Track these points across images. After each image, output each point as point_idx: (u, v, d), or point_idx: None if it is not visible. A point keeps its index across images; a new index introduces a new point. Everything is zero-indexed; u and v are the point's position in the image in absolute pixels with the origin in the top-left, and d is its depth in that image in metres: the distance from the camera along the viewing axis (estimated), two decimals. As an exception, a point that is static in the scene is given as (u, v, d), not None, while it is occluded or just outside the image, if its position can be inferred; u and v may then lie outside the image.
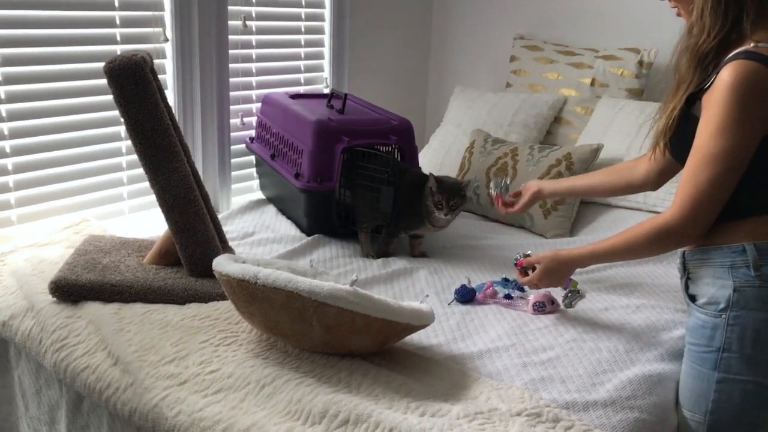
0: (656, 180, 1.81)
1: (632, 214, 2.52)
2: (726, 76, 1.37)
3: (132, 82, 1.78)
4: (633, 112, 2.67)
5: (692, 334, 1.54)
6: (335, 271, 2.10)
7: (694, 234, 1.46)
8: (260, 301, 1.45)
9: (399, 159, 2.40)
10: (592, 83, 2.88)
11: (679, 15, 1.56)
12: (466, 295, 1.95)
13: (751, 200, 1.44)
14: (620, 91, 2.82)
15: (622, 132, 2.64)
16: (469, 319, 1.84)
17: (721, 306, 1.46)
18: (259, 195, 2.77)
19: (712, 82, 1.41)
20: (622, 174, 1.89)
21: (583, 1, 3.08)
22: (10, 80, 2.11)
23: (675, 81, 1.52)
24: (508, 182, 2.17)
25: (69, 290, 1.78)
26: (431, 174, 2.20)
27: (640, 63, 2.79)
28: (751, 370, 1.44)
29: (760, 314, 1.42)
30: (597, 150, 2.53)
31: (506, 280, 2.04)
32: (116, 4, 2.30)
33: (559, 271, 1.73)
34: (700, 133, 1.42)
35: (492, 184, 2.17)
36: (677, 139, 1.53)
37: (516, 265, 1.84)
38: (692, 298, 1.55)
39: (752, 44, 1.38)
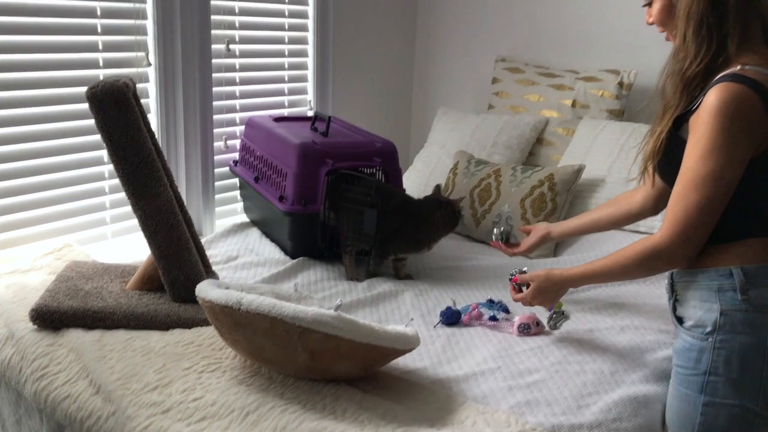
0: (653, 206, 1.82)
1: (614, 234, 2.53)
2: (712, 98, 1.38)
3: (114, 108, 1.77)
4: (614, 133, 2.70)
5: (679, 356, 1.54)
6: (320, 295, 2.09)
7: (684, 256, 1.46)
8: (244, 328, 1.44)
9: (383, 181, 2.41)
10: (573, 104, 2.91)
11: (668, 39, 1.58)
12: (451, 318, 1.95)
13: (739, 224, 1.45)
14: (601, 112, 2.85)
15: (604, 152, 2.66)
16: (454, 341, 1.84)
17: (708, 329, 1.46)
18: (243, 218, 2.76)
19: (698, 105, 1.42)
20: (621, 205, 1.90)
21: (564, 23, 3.13)
22: (-10, 105, 2.10)
23: (662, 105, 1.53)
24: (509, 230, 2.18)
25: (50, 317, 1.76)
26: (452, 200, 2.25)
27: (620, 84, 2.83)
28: (738, 394, 1.44)
29: (747, 338, 1.43)
30: (579, 170, 2.55)
31: (491, 301, 2.04)
32: (99, 30, 2.30)
33: (551, 291, 1.74)
34: (687, 156, 1.42)
35: (495, 232, 2.17)
36: (665, 161, 1.53)
37: (510, 280, 1.85)
38: (679, 320, 1.55)
39: (738, 67, 1.40)
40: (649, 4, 1.56)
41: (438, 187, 2.35)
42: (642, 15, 2.96)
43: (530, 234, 2.10)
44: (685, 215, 1.42)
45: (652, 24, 1.58)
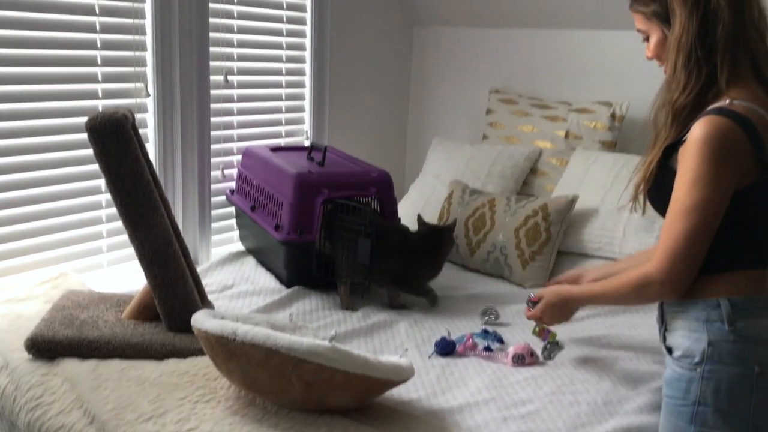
0: None
1: (609, 263, 2.55)
2: (697, 131, 1.41)
3: (113, 139, 1.80)
4: (606, 164, 2.73)
5: (669, 386, 1.54)
6: (315, 324, 2.10)
7: (674, 284, 1.47)
8: (239, 358, 1.45)
9: (378, 210, 2.43)
10: (567, 135, 2.95)
11: (666, 72, 1.60)
12: (446, 348, 1.96)
13: (726, 255, 1.47)
14: (594, 144, 2.89)
15: (597, 183, 2.69)
16: (449, 372, 1.84)
17: (696, 359, 1.47)
18: (239, 247, 2.78)
19: (687, 137, 1.45)
20: (649, 256, 1.80)
21: (557, 56, 3.18)
22: (-10, 135, 2.12)
23: (653, 134, 1.56)
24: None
25: (45, 347, 1.76)
26: (450, 225, 2.32)
27: (613, 116, 2.87)
28: (727, 424, 1.45)
29: (734, 369, 1.44)
30: (572, 201, 2.58)
31: (486, 331, 2.05)
32: (99, 61, 2.33)
33: (559, 306, 1.79)
34: (676, 187, 1.45)
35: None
36: (655, 190, 1.56)
37: (528, 302, 1.89)
38: (669, 350, 1.56)
39: (727, 101, 1.43)
40: (647, 39, 1.58)
41: (419, 216, 2.39)
42: (634, 48, 3.03)
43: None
44: (674, 244, 1.44)
45: (651, 59, 1.61)
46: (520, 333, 2.11)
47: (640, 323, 2.17)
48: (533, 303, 1.85)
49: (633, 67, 2.97)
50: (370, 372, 1.45)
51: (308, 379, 1.42)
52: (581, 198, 2.64)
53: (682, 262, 1.44)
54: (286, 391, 1.46)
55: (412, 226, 2.40)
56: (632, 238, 2.53)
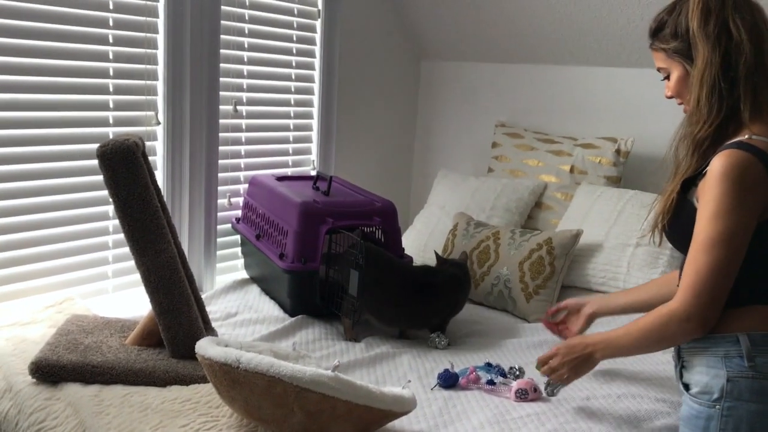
0: None
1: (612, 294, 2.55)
2: (717, 164, 1.42)
3: (123, 166, 1.82)
4: (611, 199, 2.75)
5: (686, 424, 1.52)
6: (318, 354, 2.10)
7: (701, 320, 1.43)
8: (242, 386, 1.45)
9: (382, 240, 2.44)
10: (572, 170, 2.97)
11: (685, 111, 1.59)
12: (448, 380, 1.95)
13: (745, 290, 1.46)
14: (599, 179, 2.91)
15: (602, 218, 2.70)
16: (451, 404, 1.84)
17: (715, 396, 1.45)
18: (244, 275, 2.79)
19: (706, 171, 1.46)
20: (671, 284, 1.75)
21: (563, 91, 3.21)
22: (1, 160, 2.15)
23: (673, 166, 1.56)
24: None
25: (49, 371, 1.77)
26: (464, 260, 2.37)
27: (618, 152, 2.89)
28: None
29: (754, 406, 1.42)
30: (577, 235, 2.59)
31: (489, 365, 2.05)
32: (111, 89, 2.37)
33: (576, 348, 1.66)
34: (698, 221, 1.44)
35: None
36: (672, 223, 1.55)
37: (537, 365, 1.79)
38: (686, 387, 1.54)
39: (746, 136, 1.44)
40: (668, 78, 1.58)
41: (436, 253, 2.43)
42: (640, 85, 3.07)
43: (579, 319, 2.02)
44: (698, 278, 1.42)
45: (670, 97, 1.60)
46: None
47: (645, 359, 2.16)
48: (542, 363, 1.74)
49: (638, 103, 3.01)
50: (373, 403, 1.45)
51: (310, 408, 1.42)
52: (586, 232, 2.64)
53: (708, 296, 1.42)
54: (288, 420, 1.46)
55: (417, 256, 2.41)
56: (636, 273, 2.54)
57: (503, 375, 2.01)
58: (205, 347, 1.52)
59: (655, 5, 2.71)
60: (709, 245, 1.41)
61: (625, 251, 2.57)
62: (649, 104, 2.98)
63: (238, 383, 1.45)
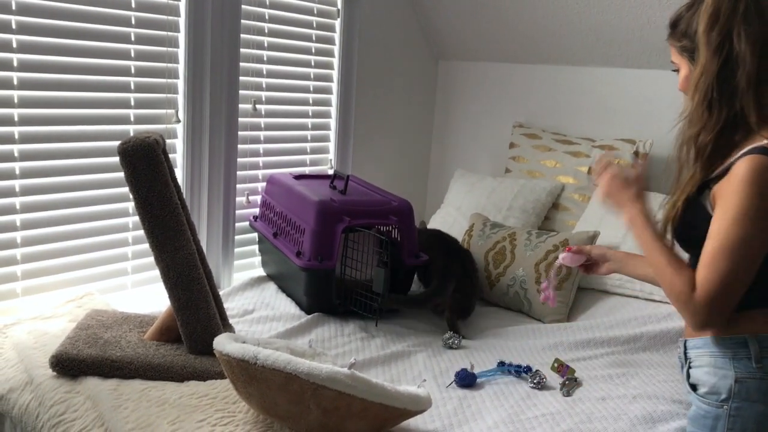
0: None
1: (629, 301, 2.55)
2: (740, 170, 1.40)
3: (144, 163, 1.84)
4: (629, 201, 2.73)
5: (694, 423, 1.53)
6: (333, 351, 2.11)
7: (705, 323, 1.43)
8: (259, 382, 1.46)
9: (398, 239, 2.45)
10: (589, 171, 2.96)
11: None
12: (465, 379, 1.96)
13: (754, 292, 1.45)
14: (616, 180, 2.89)
15: (619, 220, 2.69)
16: (466, 404, 1.84)
17: (723, 396, 1.46)
18: (261, 272, 2.81)
19: (724, 174, 1.44)
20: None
21: (581, 92, 3.20)
22: (25, 157, 2.18)
23: (677, 170, 1.55)
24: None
25: (69, 365, 1.79)
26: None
27: (636, 153, 2.88)
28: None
29: (762, 407, 1.42)
30: (593, 237, 2.58)
31: (502, 363, 2.06)
32: (132, 87, 2.40)
33: (625, 190, 1.60)
34: (716, 223, 1.42)
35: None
36: (684, 226, 1.54)
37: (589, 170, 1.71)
38: (693, 387, 1.54)
39: (765, 141, 1.43)
40: (677, 71, 1.59)
41: (423, 222, 2.54)
42: (658, 87, 3.05)
43: (599, 269, 1.90)
44: (716, 286, 1.40)
45: (681, 90, 1.60)
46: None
47: (660, 361, 2.16)
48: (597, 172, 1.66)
49: (657, 105, 2.99)
50: (388, 401, 1.45)
51: (327, 405, 1.43)
52: (602, 234, 2.64)
53: (721, 302, 1.40)
54: (304, 416, 1.47)
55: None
56: (653, 275, 2.53)
57: (518, 372, 2.02)
58: (223, 343, 1.54)
59: (674, 5, 2.69)
60: (729, 249, 1.39)
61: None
62: (669, 106, 2.95)
63: (255, 379, 1.47)
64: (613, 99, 3.11)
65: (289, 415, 1.49)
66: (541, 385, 1.97)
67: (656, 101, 2.99)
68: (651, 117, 3.00)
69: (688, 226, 1.52)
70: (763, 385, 1.42)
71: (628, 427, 1.74)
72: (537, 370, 2.01)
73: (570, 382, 1.97)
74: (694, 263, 1.49)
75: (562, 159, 3.05)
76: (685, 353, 1.58)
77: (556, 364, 2.06)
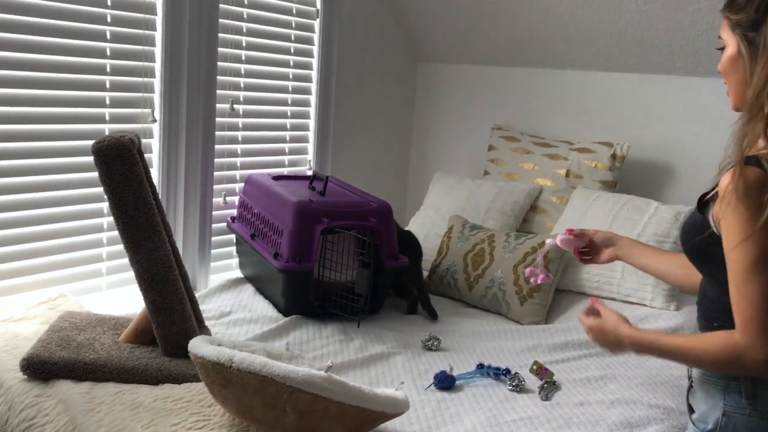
0: None
1: (606, 303, 2.54)
2: (724, 185, 1.31)
3: (119, 163, 1.81)
4: (606, 203, 2.75)
5: None
6: (311, 354, 2.10)
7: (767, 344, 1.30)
8: (234, 385, 1.44)
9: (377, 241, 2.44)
10: (567, 174, 2.97)
11: (728, 94, 1.46)
12: (444, 382, 1.95)
13: None
14: (594, 183, 2.91)
15: (596, 222, 2.70)
16: (445, 407, 1.83)
17: (709, 427, 1.42)
18: (238, 274, 2.78)
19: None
20: (689, 272, 1.63)
21: (559, 95, 3.22)
22: (-4, 155, 2.14)
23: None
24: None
25: (41, 368, 1.76)
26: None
27: (613, 156, 2.89)
28: None
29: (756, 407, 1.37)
30: (572, 239, 2.58)
31: (481, 365, 2.05)
32: (107, 86, 2.36)
33: (610, 337, 1.50)
34: (726, 247, 1.32)
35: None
36: (688, 238, 1.46)
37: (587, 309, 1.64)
38: (690, 408, 1.51)
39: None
40: (721, 50, 1.42)
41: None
42: (636, 90, 3.07)
43: (601, 255, 1.83)
44: (755, 311, 1.29)
45: (720, 72, 1.45)
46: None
47: (638, 364, 2.17)
48: (592, 311, 1.59)
49: (635, 108, 3.02)
50: (365, 404, 1.44)
51: (303, 408, 1.42)
52: (580, 237, 2.64)
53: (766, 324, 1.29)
54: (280, 420, 1.45)
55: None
56: (630, 278, 2.54)
57: (497, 375, 2.01)
58: (198, 346, 1.52)
59: (651, 10, 2.72)
60: (750, 272, 1.29)
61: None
62: (646, 109, 2.99)
63: (230, 383, 1.45)
64: (591, 102, 3.12)
65: (265, 418, 1.47)
66: (519, 387, 1.97)
67: (634, 104, 3.02)
68: (628, 120, 3.03)
69: (693, 239, 1.43)
70: (752, 422, 1.37)
71: None
72: (516, 373, 2.01)
73: (548, 386, 1.97)
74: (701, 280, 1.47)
75: (540, 161, 3.06)
76: (690, 372, 1.54)
77: (534, 367, 2.06)
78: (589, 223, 2.71)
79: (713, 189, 1.38)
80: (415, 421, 1.74)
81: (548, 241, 1.87)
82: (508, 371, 2.03)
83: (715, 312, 1.42)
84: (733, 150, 1.34)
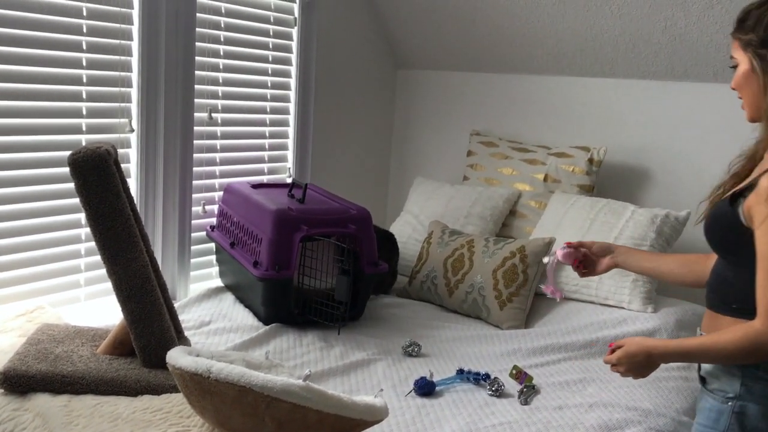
0: None
1: (585, 306, 2.59)
2: (765, 183, 1.43)
3: (95, 174, 1.81)
4: (584, 207, 2.78)
5: (701, 414, 1.59)
6: (292, 362, 2.10)
7: None
8: (212, 396, 1.44)
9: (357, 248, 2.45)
10: (545, 179, 3.00)
11: (743, 108, 1.60)
12: (424, 388, 1.96)
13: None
14: (572, 187, 2.94)
15: (575, 226, 2.73)
16: (425, 413, 1.84)
17: (729, 395, 1.51)
18: (218, 283, 2.78)
19: (754, 184, 1.47)
20: (692, 268, 1.77)
21: (537, 101, 3.25)
22: (-28, 167, 2.13)
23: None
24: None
25: (18, 381, 1.74)
26: None
27: (590, 161, 2.92)
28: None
29: (765, 409, 1.48)
30: (550, 243, 2.61)
31: (461, 371, 2.06)
32: (84, 96, 2.35)
33: (640, 358, 1.56)
34: (759, 240, 1.45)
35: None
36: (713, 227, 1.57)
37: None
38: (702, 380, 1.60)
39: None
40: (734, 69, 1.57)
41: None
42: (612, 95, 3.11)
43: (599, 265, 1.87)
44: None
45: (734, 89, 1.59)
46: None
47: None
48: (612, 350, 1.62)
49: (611, 113, 3.05)
50: (344, 411, 1.44)
51: (281, 418, 1.42)
52: (558, 240, 2.67)
53: None
54: (259, 430, 1.45)
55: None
56: (608, 281, 2.57)
57: (476, 380, 2.03)
58: (175, 357, 1.51)
59: (626, 15, 2.76)
60: None
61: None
62: (622, 114, 3.03)
63: (209, 393, 1.45)
64: (568, 107, 3.16)
65: (244, 428, 1.47)
66: (499, 392, 1.98)
67: (610, 109, 3.05)
68: (605, 125, 3.06)
69: (718, 230, 1.55)
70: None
71: (583, 434, 1.76)
72: (495, 378, 2.02)
73: (528, 390, 1.99)
74: (716, 266, 1.58)
75: (519, 166, 3.08)
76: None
77: (514, 371, 2.07)
78: (567, 227, 2.74)
79: (736, 185, 1.53)
80: (396, 428, 1.74)
81: (547, 258, 1.89)
82: (487, 376, 2.04)
83: (735, 294, 1.53)
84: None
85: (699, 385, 1.61)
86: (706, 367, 1.59)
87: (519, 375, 2.06)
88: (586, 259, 1.84)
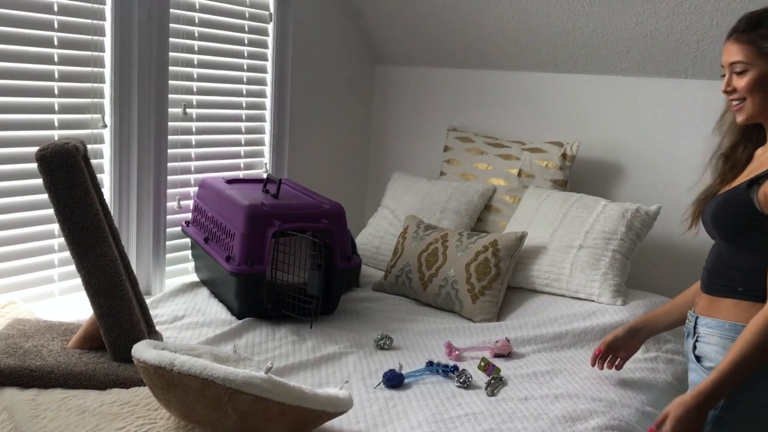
0: None
1: (556, 299, 2.61)
2: None
3: (63, 170, 1.82)
4: (557, 202, 2.81)
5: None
6: (263, 356, 2.11)
7: None
8: (176, 388, 1.46)
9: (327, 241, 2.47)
10: (520, 174, 3.03)
11: (737, 110, 1.65)
12: (393, 380, 1.98)
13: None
14: (545, 182, 2.97)
15: (547, 220, 2.76)
16: (392, 404, 1.87)
17: None
18: (194, 278, 2.79)
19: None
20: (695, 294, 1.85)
21: (512, 97, 3.27)
22: (-58, 163, 2.13)
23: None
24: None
25: (-14, 376, 1.75)
26: None
27: (564, 156, 2.95)
28: (744, 429, 1.59)
29: (762, 390, 1.56)
30: (522, 237, 2.64)
31: (431, 363, 2.09)
32: (56, 92, 2.36)
33: (689, 416, 1.53)
34: None
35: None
36: (722, 212, 1.64)
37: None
38: (698, 359, 1.67)
39: None
40: (738, 74, 1.59)
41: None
42: (585, 91, 3.13)
43: (633, 343, 2.04)
44: None
45: (729, 92, 1.63)
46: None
47: (585, 358, 2.22)
48: (658, 426, 1.58)
49: (584, 109, 3.08)
50: (305, 403, 1.47)
51: (244, 409, 1.44)
52: (531, 234, 2.70)
53: None
54: (222, 421, 1.47)
55: (369, 258, 2.43)
56: (579, 274, 2.60)
57: (445, 372, 2.05)
58: (140, 350, 1.53)
59: (597, 12, 2.78)
60: None
61: (569, 253, 2.64)
62: (595, 109, 3.06)
63: (172, 386, 1.46)
64: (542, 102, 3.18)
65: (208, 420, 1.49)
66: (467, 384, 2.01)
67: (583, 105, 3.08)
68: (578, 120, 3.09)
69: (730, 215, 1.63)
70: (764, 370, 1.53)
71: (547, 426, 1.78)
72: (463, 370, 2.05)
73: (495, 382, 2.01)
74: (718, 252, 1.67)
75: (494, 162, 3.11)
76: (695, 327, 1.70)
77: (482, 363, 2.10)
78: (540, 222, 2.77)
79: (723, 184, 1.67)
80: (362, 419, 1.77)
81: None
82: (456, 368, 2.07)
83: (742, 277, 1.60)
84: None
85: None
86: (703, 347, 1.65)
87: (487, 367, 2.08)
88: (612, 348, 2.04)
